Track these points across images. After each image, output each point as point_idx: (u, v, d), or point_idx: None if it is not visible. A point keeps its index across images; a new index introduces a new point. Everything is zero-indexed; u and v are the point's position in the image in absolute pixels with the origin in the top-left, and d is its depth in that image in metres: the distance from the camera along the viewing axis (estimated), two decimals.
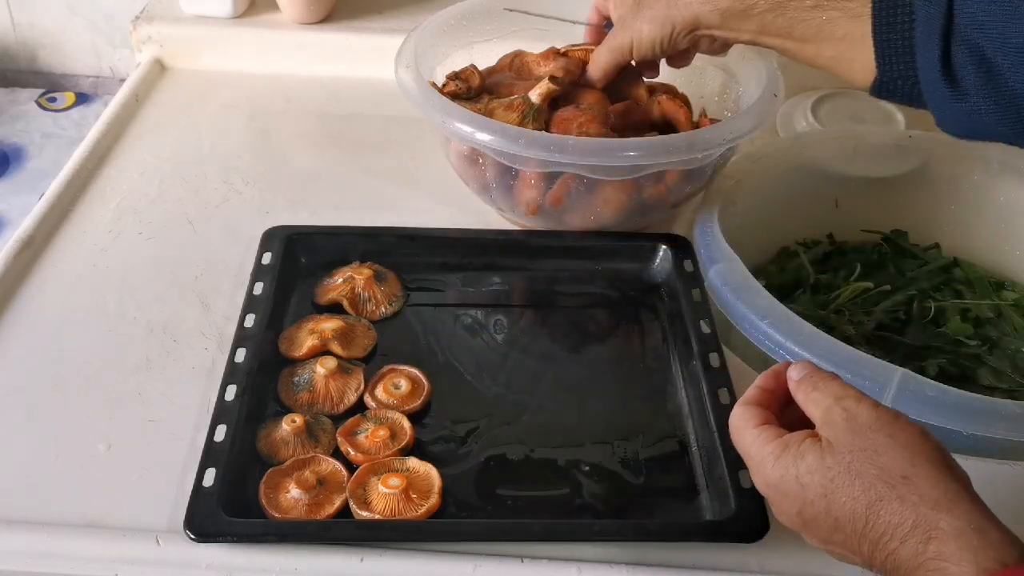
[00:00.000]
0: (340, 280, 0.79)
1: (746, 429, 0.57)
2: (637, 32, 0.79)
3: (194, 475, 0.62)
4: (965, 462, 0.68)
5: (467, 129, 0.76)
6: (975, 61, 0.64)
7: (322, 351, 0.73)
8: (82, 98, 1.24)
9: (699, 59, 0.93)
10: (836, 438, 0.53)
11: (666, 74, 0.96)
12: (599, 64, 0.84)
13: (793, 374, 0.58)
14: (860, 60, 0.70)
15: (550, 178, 0.80)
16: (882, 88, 0.71)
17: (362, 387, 0.71)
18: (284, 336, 0.75)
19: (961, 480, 0.52)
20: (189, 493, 0.61)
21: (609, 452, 0.68)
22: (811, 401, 0.56)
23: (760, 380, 0.59)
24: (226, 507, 0.61)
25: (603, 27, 0.87)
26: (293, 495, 0.62)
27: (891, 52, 0.69)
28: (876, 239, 0.98)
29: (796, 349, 0.72)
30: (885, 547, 0.50)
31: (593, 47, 0.86)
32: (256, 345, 0.72)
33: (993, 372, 0.85)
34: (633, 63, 0.85)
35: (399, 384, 0.71)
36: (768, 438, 0.55)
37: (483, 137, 0.76)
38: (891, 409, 0.54)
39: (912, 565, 0.48)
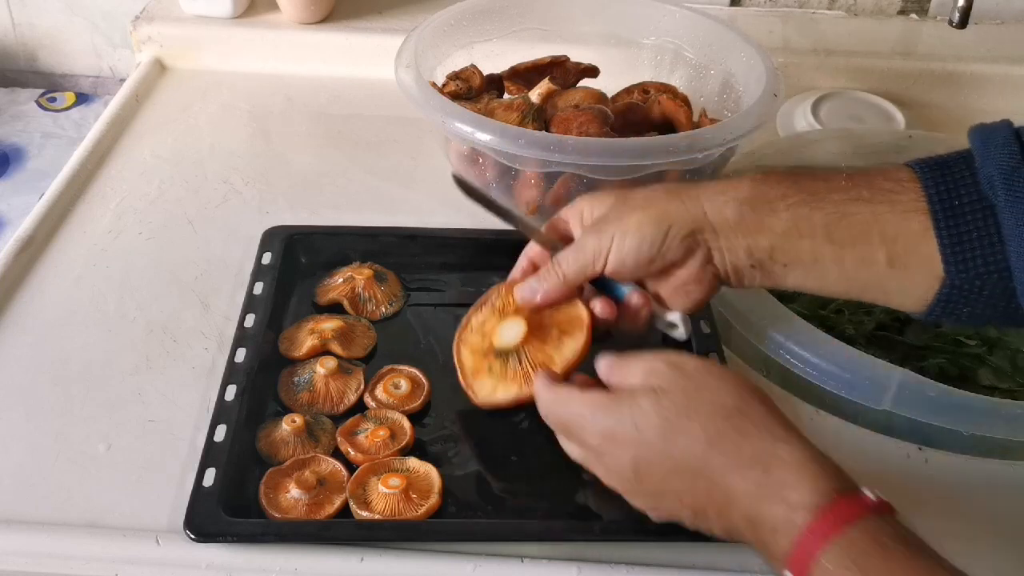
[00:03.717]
0: (340, 280, 0.79)
1: (570, 396, 0.57)
2: (621, 230, 0.61)
3: (194, 475, 0.62)
4: (966, 462, 0.68)
5: (467, 129, 0.76)
6: None
7: (322, 351, 0.73)
8: (82, 98, 1.24)
9: (699, 58, 0.94)
10: (668, 382, 0.53)
11: (665, 74, 0.96)
12: (562, 266, 0.63)
13: (602, 363, 0.58)
14: (918, 266, 0.57)
15: (550, 178, 0.80)
16: (952, 297, 0.57)
17: (362, 387, 0.71)
18: (284, 336, 0.75)
19: (786, 418, 0.53)
20: (189, 493, 0.61)
21: None
22: (629, 371, 0.56)
23: (548, 373, 0.60)
24: (226, 507, 0.61)
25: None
26: (293, 495, 0.62)
27: (966, 246, 0.56)
28: None
29: (796, 349, 0.72)
30: (722, 483, 0.50)
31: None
32: (256, 345, 0.72)
33: (993, 372, 0.85)
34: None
35: (399, 384, 0.71)
36: (596, 394, 0.55)
37: (483, 137, 0.76)
38: (709, 359, 0.56)
39: (754, 496, 0.49)
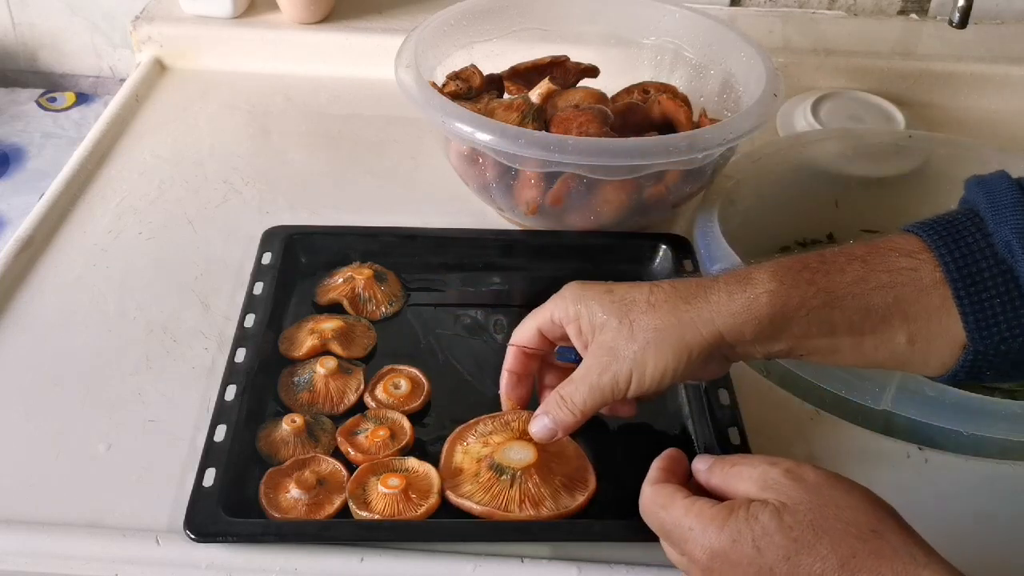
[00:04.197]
0: (340, 280, 0.79)
1: (673, 502, 0.53)
2: (639, 363, 0.58)
3: (194, 475, 0.62)
4: (965, 462, 0.68)
5: (467, 129, 0.76)
6: None
7: (322, 351, 0.73)
8: (82, 98, 1.24)
9: (699, 58, 0.94)
10: (790, 497, 0.49)
11: (665, 74, 0.96)
12: (578, 404, 0.61)
13: (700, 464, 0.55)
14: (939, 338, 0.57)
15: (550, 178, 0.80)
16: (976, 363, 0.56)
17: (362, 387, 0.71)
18: (284, 336, 0.75)
19: (922, 537, 0.49)
20: (189, 493, 0.61)
21: (609, 452, 0.68)
22: (734, 476, 0.52)
23: (659, 463, 0.57)
24: (226, 507, 0.61)
25: (539, 356, 0.67)
26: (293, 495, 0.62)
27: (988, 313, 0.55)
28: None
29: None
30: None
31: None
32: (256, 345, 0.72)
33: None
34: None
35: (399, 384, 0.71)
36: (705, 505, 0.51)
37: (483, 137, 0.76)
38: (827, 470, 0.51)
39: None
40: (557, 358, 0.67)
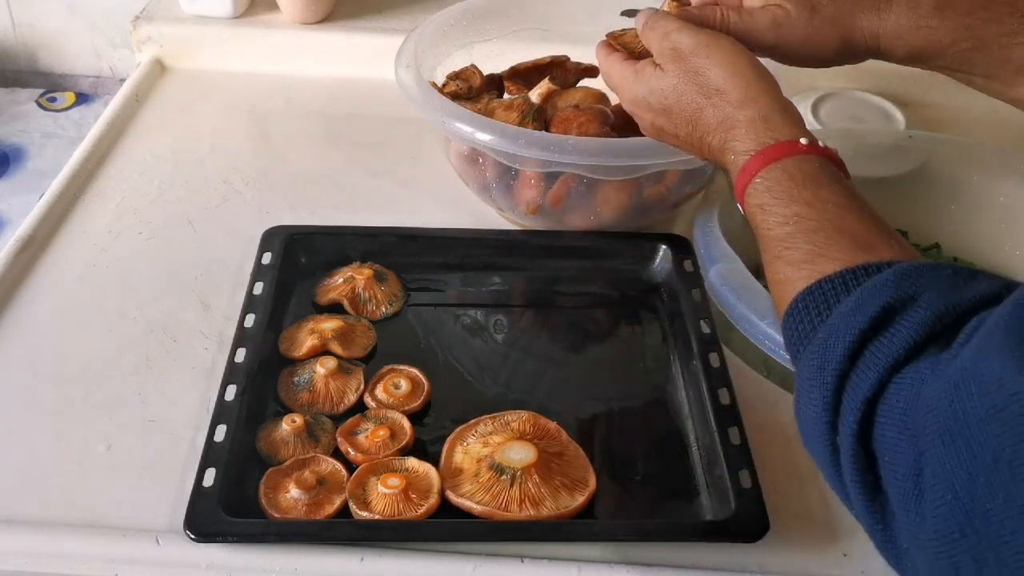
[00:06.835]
0: (340, 280, 0.79)
1: (612, 67, 0.71)
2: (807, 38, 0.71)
3: (194, 475, 0.62)
4: None
5: (467, 129, 0.76)
6: None
7: (322, 351, 0.73)
8: (82, 98, 1.24)
9: None
10: (665, 65, 0.66)
11: None
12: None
13: (639, 22, 0.69)
14: None
15: (550, 178, 0.80)
16: None
17: (362, 387, 0.71)
18: (284, 336, 0.75)
19: (766, 83, 0.62)
20: (189, 493, 0.61)
21: (609, 452, 0.68)
22: (648, 40, 0.68)
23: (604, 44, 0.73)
24: (226, 507, 0.61)
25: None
26: (293, 495, 0.62)
27: None
28: None
29: None
30: (707, 141, 0.64)
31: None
32: (256, 345, 0.72)
33: None
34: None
35: (399, 384, 0.71)
36: (626, 67, 0.69)
37: (483, 137, 0.76)
38: (711, 32, 0.65)
39: (719, 150, 0.62)
40: None
